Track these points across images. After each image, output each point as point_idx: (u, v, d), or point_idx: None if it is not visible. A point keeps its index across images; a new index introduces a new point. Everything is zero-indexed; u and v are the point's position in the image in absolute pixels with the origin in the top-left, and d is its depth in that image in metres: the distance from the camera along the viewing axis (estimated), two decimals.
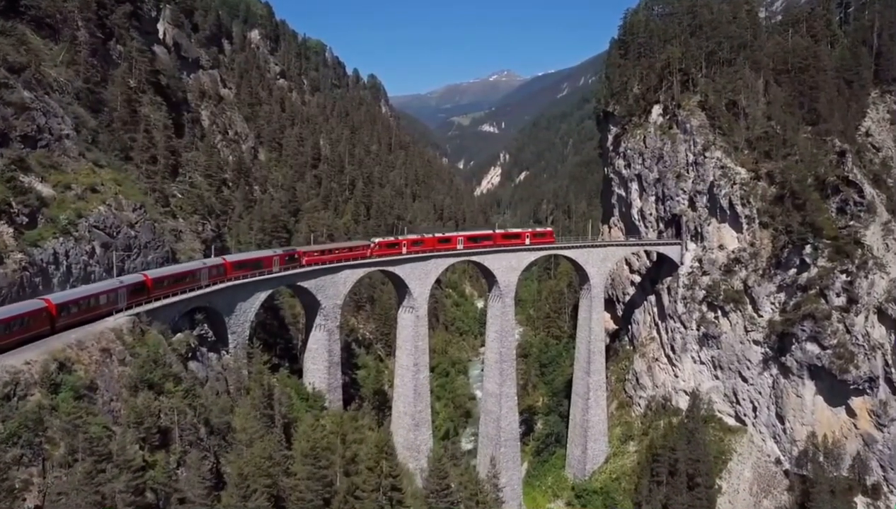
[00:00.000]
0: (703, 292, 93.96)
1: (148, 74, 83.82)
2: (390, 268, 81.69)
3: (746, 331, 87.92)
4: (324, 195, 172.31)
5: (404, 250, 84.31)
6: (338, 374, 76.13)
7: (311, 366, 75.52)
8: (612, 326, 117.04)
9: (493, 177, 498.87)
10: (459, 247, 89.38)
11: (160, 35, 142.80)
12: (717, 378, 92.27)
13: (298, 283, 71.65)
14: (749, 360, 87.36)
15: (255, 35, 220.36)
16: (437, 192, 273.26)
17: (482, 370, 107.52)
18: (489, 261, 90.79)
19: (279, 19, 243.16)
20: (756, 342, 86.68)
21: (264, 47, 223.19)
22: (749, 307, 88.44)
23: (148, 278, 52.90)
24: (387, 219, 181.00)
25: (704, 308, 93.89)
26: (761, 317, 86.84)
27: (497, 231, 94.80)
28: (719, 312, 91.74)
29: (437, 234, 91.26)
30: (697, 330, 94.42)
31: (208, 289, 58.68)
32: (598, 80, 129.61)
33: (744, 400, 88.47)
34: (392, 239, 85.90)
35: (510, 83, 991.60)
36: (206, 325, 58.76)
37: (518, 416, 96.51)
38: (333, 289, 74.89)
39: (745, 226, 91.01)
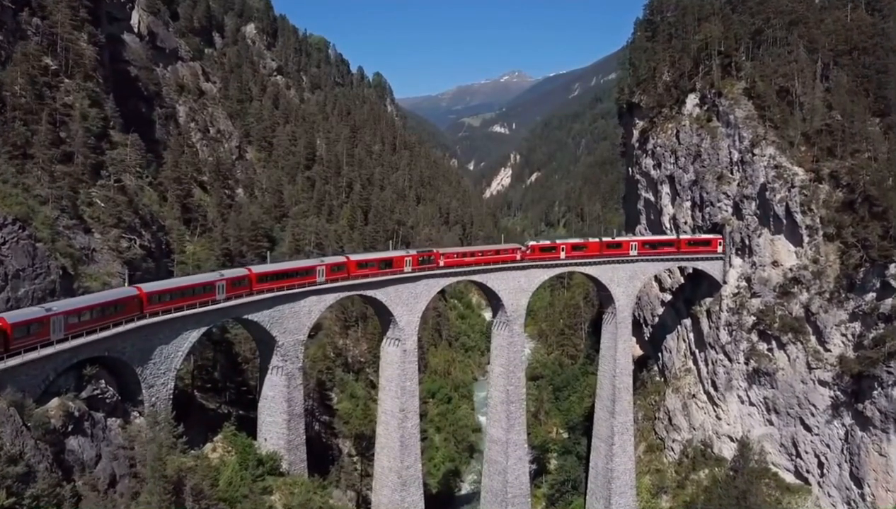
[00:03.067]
0: (753, 318, 77.63)
1: (76, 55, 68.51)
2: (369, 292, 66.00)
3: (810, 369, 71.49)
4: (317, 199, 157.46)
5: (562, 254, 77.80)
6: (300, 428, 60.50)
7: (266, 418, 59.99)
8: (637, 352, 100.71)
9: (503, 179, 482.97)
10: (633, 252, 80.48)
11: (133, 22, 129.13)
12: (770, 423, 75.87)
13: (246, 316, 56.05)
14: (814, 405, 70.93)
15: (250, 29, 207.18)
16: (443, 195, 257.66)
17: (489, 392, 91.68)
18: (493, 281, 75.03)
19: (279, 14, 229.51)
20: (822, 383, 70.24)
21: (260, 42, 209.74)
22: (812, 339, 72.05)
23: (252, 272, 56.46)
24: (386, 225, 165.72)
25: (754, 337, 77.56)
26: (829, 351, 70.41)
27: (682, 237, 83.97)
28: (774, 344, 75.40)
29: (605, 239, 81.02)
30: (746, 364, 78.13)
31: (109, 332, 43.41)
32: (621, 67, 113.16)
33: (806, 453, 72.05)
34: (549, 242, 79.89)
35: (521, 84, 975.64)
36: (103, 382, 43.40)
37: (528, 468, 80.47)
38: (294, 322, 59.30)
39: (805, 239, 74.60)
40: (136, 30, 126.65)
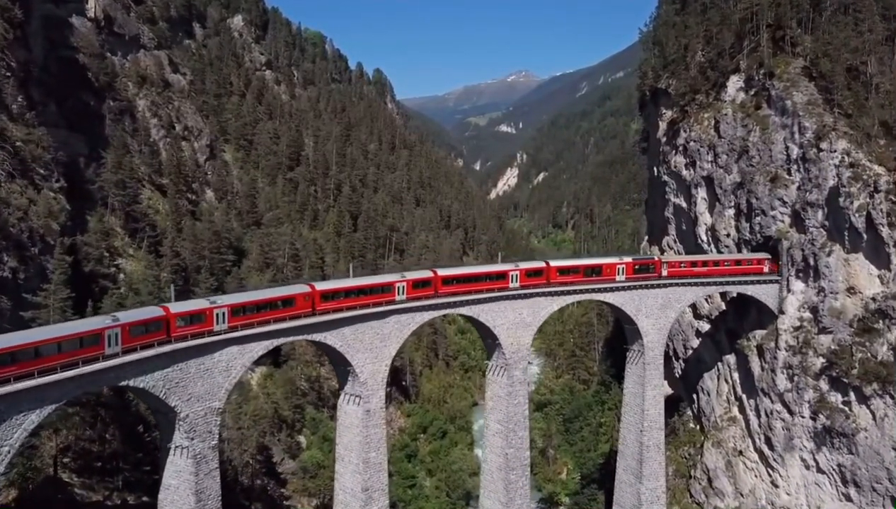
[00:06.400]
0: (822, 360, 60.54)
1: None
2: (316, 336, 49.20)
3: None
4: (300, 203, 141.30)
5: None
6: None
7: None
8: (665, 390, 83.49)
9: (509, 179, 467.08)
10: None
11: (90, 6, 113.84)
12: (848, 499, 58.61)
13: (130, 383, 39.27)
14: None
15: (237, 21, 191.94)
16: (443, 197, 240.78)
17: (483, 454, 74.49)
18: (486, 315, 58.14)
19: (270, 7, 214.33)
20: None
21: (248, 35, 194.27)
22: None
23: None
24: (377, 231, 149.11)
25: (824, 385, 60.39)
26: None
27: None
28: (852, 395, 58.19)
29: None
30: (812, 419, 60.99)
31: None
32: (644, 46, 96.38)
33: None
34: None
35: (528, 83, 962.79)
36: None
37: None
38: (204, 383, 42.54)
39: (893, 259, 57.37)
40: (92, 14, 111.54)
